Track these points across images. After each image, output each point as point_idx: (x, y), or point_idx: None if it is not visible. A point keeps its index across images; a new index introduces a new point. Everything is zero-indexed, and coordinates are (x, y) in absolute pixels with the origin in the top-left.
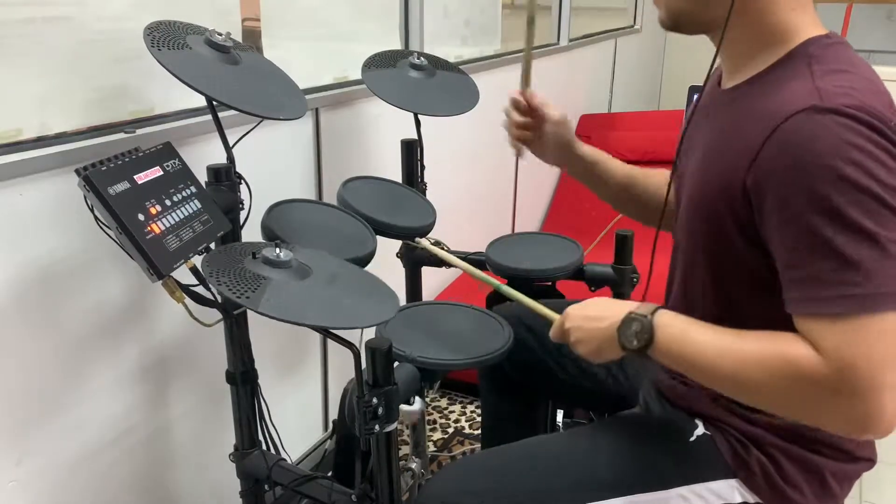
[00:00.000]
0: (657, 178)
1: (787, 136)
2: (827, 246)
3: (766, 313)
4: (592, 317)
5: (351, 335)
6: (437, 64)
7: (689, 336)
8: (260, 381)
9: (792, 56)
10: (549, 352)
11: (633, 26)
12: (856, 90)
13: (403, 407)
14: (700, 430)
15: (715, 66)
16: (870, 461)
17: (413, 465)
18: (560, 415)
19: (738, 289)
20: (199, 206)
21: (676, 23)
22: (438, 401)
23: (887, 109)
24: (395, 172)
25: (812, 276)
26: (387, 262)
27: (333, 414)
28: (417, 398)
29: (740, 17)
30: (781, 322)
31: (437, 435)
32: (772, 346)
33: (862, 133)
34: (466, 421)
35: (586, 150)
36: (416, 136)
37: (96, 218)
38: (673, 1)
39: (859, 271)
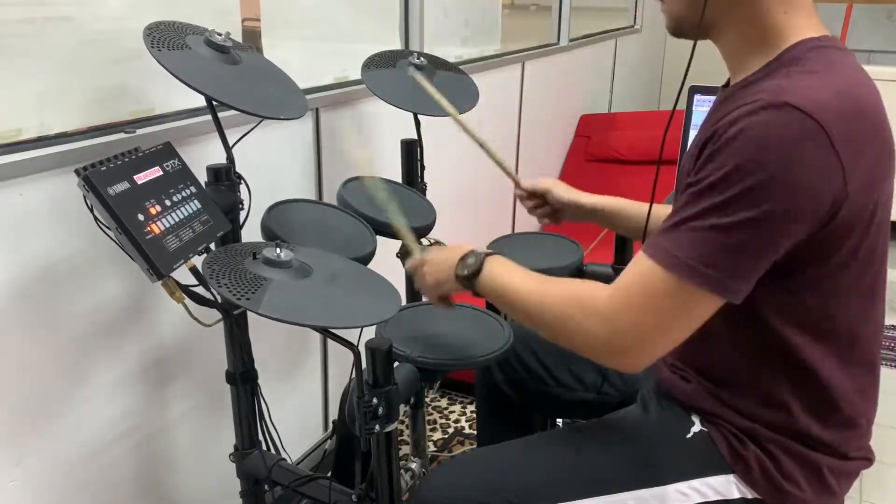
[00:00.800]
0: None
1: (732, 119)
2: (704, 212)
3: (771, 303)
4: (445, 251)
5: (351, 335)
6: (437, 64)
7: (510, 275)
8: (260, 381)
9: (779, 59)
10: (545, 368)
11: (633, 26)
12: (815, 89)
13: None
14: (697, 426)
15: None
16: (866, 460)
17: (413, 465)
18: (559, 423)
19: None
20: (199, 206)
21: (680, 29)
22: (438, 401)
23: (848, 113)
24: (395, 172)
25: (674, 227)
26: (387, 263)
27: (333, 414)
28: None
29: (733, 20)
30: (788, 311)
31: (437, 435)
32: (570, 289)
33: (794, 126)
34: (466, 421)
35: (598, 201)
36: (416, 136)
37: (96, 218)
38: (673, 9)
39: (691, 240)
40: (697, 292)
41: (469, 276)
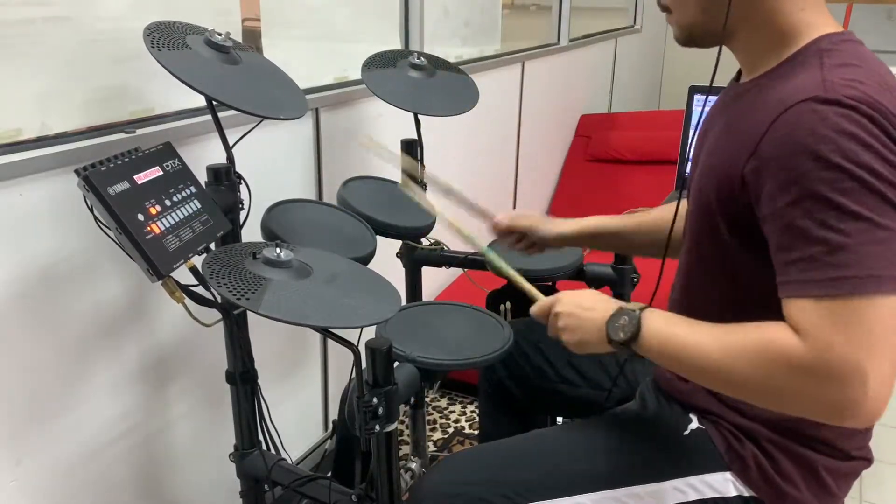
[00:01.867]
0: (659, 211)
1: (788, 124)
2: (820, 229)
3: (766, 315)
4: (585, 306)
5: (351, 335)
6: (437, 64)
7: (673, 329)
8: (260, 381)
9: (803, 51)
10: (550, 364)
11: (633, 26)
12: (862, 83)
13: None
14: (694, 423)
15: (718, 67)
16: (865, 460)
17: (413, 465)
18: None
19: (736, 291)
20: (199, 206)
21: (691, 36)
22: (438, 401)
23: (893, 103)
24: (395, 172)
25: (804, 258)
26: (387, 262)
27: (333, 414)
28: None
29: (749, 22)
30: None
31: (437, 435)
32: (754, 333)
33: (859, 123)
34: (466, 421)
35: (578, 225)
36: (416, 136)
37: (96, 218)
38: (682, 16)
39: (847, 253)
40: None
41: (626, 341)
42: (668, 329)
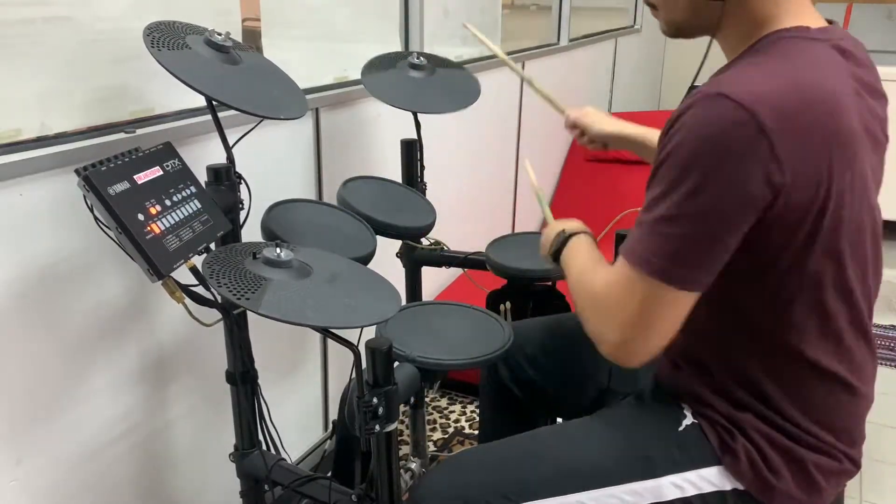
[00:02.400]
0: None
1: (678, 110)
2: (651, 205)
3: (756, 303)
4: (558, 223)
5: (351, 335)
6: (436, 62)
7: (577, 255)
8: (260, 381)
9: (747, 50)
10: (553, 364)
11: (633, 26)
12: (757, 80)
13: None
14: (689, 419)
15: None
16: (853, 462)
17: (413, 465)
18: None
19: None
20: (199, 206)
21: (676, 29)
22: (438, 401)
23: (789, 103)
24: (395, 172)
25: (638, 222)
26: (387, 262)
27: (333, 414)
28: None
29: (732, 17)
30: (773, 311)
31: (437, 435)
32: (597, 272)
33: (726, 117)
34: (466, 421)
35: (632, 131)
36: (416, 136)
37: (96, 218)
38: (668, 14)
39: (642, 234)
40: (659, 286)
41: (553, 253)
42: (573, 254)
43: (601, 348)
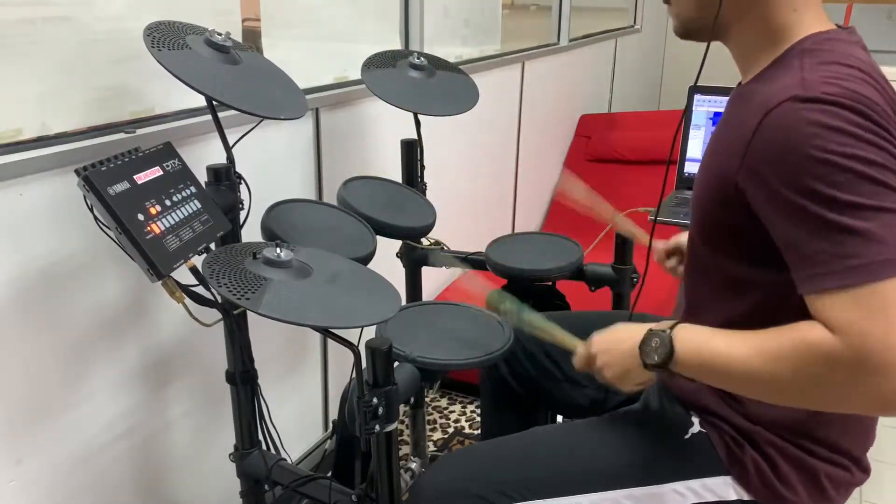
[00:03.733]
0: None
1: (772, 127)
2: (822, 223)
3: (768, 302)
4: (616, 339)
5: (351, 335)
6: (436, 64)
7: (708, 345)
8: (260, 381)
9: (788, 52)
10: (554, 362)
11: (633, 26)
12: (840, 79)
13: None
14: (696, 427)
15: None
16: (865, 472)
17: (413, 465)
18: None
19: (745, 269)
20: (199, 206)
21: (688, 30)
22: (438, 401)
23: (879, 97)
24: (395, 172)
25: (812, 253)
26: (387, 262)
27: (333, 414)
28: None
29: (745, 20)
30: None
31: (437, 435)
32: (789, 336)
33: (840, 116)
34: (466, 421)
35: None
36: (416, 136)
37: (96, 218)
38: (681, 10)
39: (855, 243)
40: None
41: (662, 363)
42: (702, 344)
43: (858, 398)
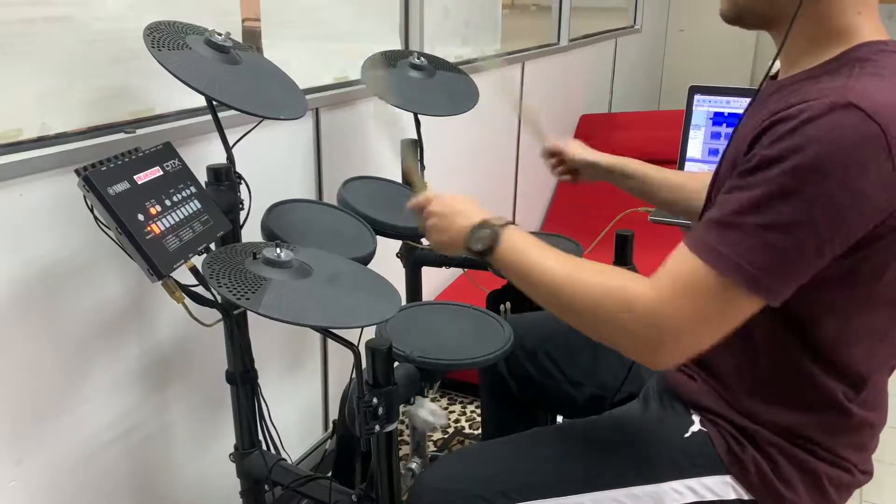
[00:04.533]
0: (685, 176)
1: (792, 114)
2: (753, 207)
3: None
4: (455, 209)
5: (351, 335)
6: (437, 64)
7: (528, 249)
8: (260, 381)
9: (842, 57)
10: (554, 362)
11: (633, 26)
12: (883, 93)
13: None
14: (696, 426)
15: (776, 61)
16: (867, 475)
17: (413, 465)
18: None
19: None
20: (199, 206)
21: (739, 16)
22: (438, 401)
23: None
24: (395, 172)
25: (721, 223)
26: (387, 262)
27: (333, 414)
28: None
29: (805, 15)
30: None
31: (437, 435)
32: (607, 276)
33: (858, 129)
34: (466, 421)
35: (611, 161)
36: (416, 136)
37: (96, 218)
38: None
39: (750, 241)
40: (741, 293)
41: (483, 251)
42: (523, 248)
43: (630, 348)
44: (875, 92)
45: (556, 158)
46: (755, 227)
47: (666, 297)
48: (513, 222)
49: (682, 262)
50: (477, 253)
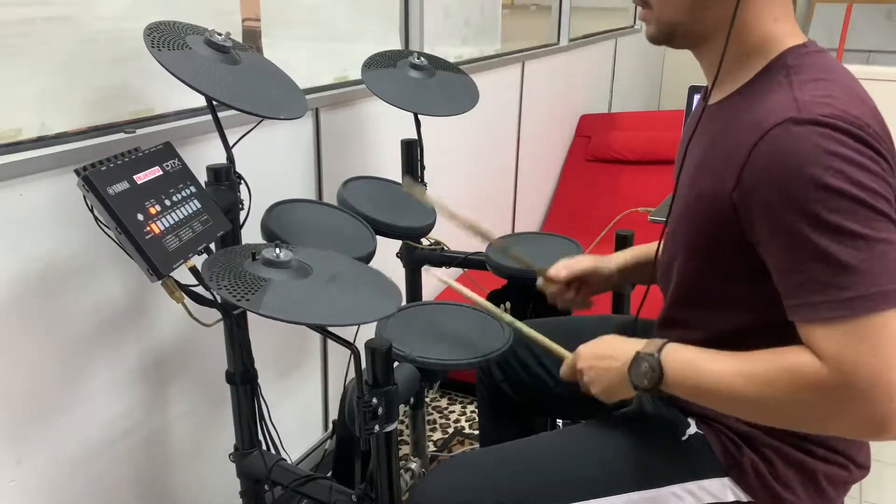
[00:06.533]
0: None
1: (768, 149)
2: (816, 251)
3: (766, 318)
4: (603, 356)
5: (351, 335)
6: (437, 64)
7: (697, 367)
8: (260, 381)
9: (770, 67)
10: (544, 367)
11: (633, 26)
12: (834, 98)
13: None
14: (693, 429)
15: (714, 80)
16: (864, 469)
17: (413, 465)
18: (560, 424)
19: (738, 285)
20: (199, 206)
21: (670, 35)
22: (438, 401)
23: (868, 115)
24: (395, 172)
25: (805, 281)
26: (387, 262)
27: (333, 414)
28: None
29: (725, 30)
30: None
31: (437, 435)
32: (778, 362)
33: (840, 140)
34: (466, 421)
35: (626, 255)
36: (416, 136)
37: (96, 218)
38: (667, 14)
39: (850, 274)
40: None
41: (652, 387)
42: (691, 367)
43: (888, 429)
44: (821, 101)
45: (560, 286)
46: (855, 251)
47: (846, 363)
48: (664, 340)
49: (830, 332)
50: (647, 390)
